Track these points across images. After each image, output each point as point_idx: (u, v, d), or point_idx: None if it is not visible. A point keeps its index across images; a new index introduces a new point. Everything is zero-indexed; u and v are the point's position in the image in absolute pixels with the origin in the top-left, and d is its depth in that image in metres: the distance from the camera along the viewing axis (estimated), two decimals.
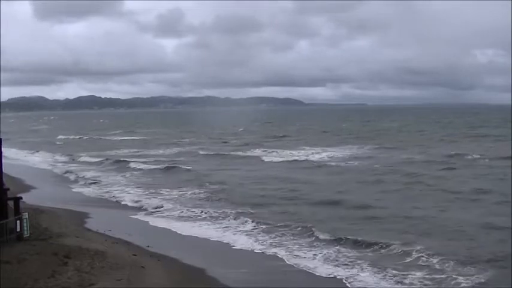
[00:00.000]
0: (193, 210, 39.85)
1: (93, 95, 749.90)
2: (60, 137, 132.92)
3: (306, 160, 69.01)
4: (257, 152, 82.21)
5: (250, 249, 29.70)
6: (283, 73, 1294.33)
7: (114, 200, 46.10)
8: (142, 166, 66.17)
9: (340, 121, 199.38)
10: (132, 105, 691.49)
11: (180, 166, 65.39)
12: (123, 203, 44.58)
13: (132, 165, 67.43)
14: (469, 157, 66.11)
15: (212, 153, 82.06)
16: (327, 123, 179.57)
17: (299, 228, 33.02)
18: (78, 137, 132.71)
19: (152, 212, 40.29)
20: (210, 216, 37.77)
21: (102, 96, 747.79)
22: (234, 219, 36.58)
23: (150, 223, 36.83)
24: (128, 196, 46.78)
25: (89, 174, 60.75)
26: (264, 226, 34.11)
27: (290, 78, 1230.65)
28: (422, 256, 26.65)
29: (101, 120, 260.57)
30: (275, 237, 31.57)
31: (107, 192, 49.44)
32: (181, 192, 47.68)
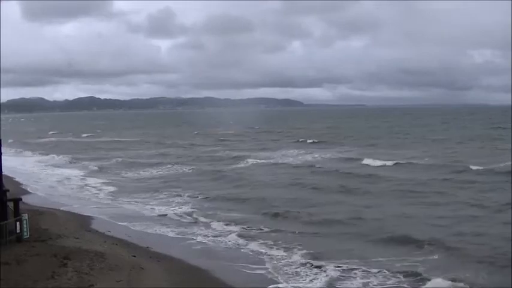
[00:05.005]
0: None
1: (92, 96, 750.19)
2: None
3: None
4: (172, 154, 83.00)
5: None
6: (281, 74, 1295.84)
7: None
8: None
9: (317, 122, 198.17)
10: (131, 106, 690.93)
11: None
12: None
13: None
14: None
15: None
16: (296, 126, 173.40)
17: None
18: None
19: None
20: None
21: (102, 98, 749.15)
22: None
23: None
24: None
25: None
26: None
27: (288, 79, 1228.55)
28: None
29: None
30: None
31: None
32: None
